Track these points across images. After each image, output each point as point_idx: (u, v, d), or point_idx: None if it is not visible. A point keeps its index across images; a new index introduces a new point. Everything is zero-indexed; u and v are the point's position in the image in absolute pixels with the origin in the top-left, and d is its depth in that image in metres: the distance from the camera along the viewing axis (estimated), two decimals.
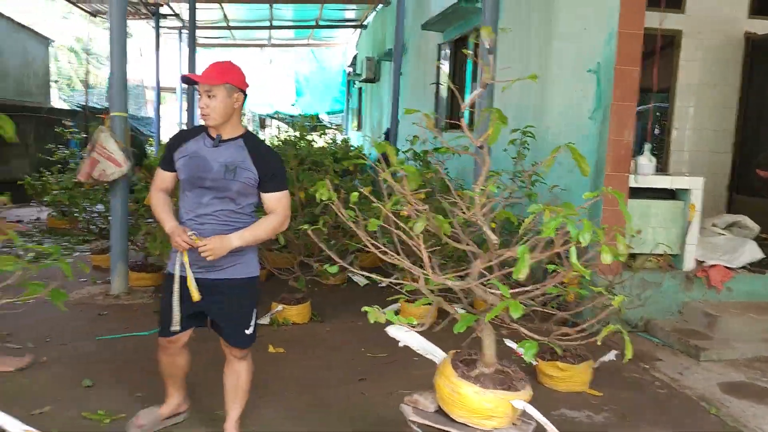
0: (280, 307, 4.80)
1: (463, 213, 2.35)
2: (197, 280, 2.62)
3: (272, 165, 2.65)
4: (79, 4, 13.52)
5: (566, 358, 3.65)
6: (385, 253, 2.34)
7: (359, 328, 4.81)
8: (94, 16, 14.73)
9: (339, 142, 15.77)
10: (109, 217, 5.74)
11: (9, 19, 12.89)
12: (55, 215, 8.34)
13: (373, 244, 2.35)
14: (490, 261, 2.32)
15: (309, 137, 13.40)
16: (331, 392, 3.62)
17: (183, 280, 2.64)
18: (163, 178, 2.78)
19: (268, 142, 11.54)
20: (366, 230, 2.34)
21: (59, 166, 8.88)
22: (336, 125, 21.42)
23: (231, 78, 2.59)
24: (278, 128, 22.64)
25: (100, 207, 6.89)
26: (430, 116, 2.41)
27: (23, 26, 13.58)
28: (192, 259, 2.61)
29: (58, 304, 2.30)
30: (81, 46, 24.09)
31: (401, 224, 2.34)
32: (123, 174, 5.17)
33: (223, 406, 2.93)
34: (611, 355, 3.88)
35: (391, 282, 2.41)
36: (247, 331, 2.77)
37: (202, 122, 2.71)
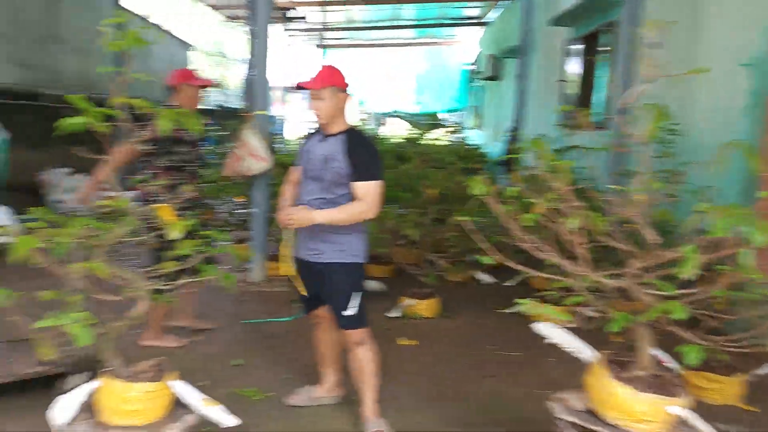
0: (410, 301, 4.90)
1: (620, 211, 2.30)
2: (306, 262, 2.98)
3: (361, 156, 2.84)
4: (218, 10, 14.45)
5: (716, 369, 3.45)
6: (537, 249, 2.34)
7: (487, 325, 4.81)
8: (233, 20, 15.67)
9: (458, 140, 15.76)
10: (251, 210, 6.12)
11: (157, 26, 14.02)
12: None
13: (525, 240, 2.36)
14: (649, 261, 2.25)
15: (429, 135, 13.51)
16: (465, 386, 3.66)
17: (301, 261, 3.01)
18: (293, 172, 3.15)
19: (389, 141, 11.70)
20: (518, 226, 2.36)
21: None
22: (455, 124, 21.39)
23: (334, 81, 2.86)
24: (400, 127, 22.96)
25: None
26: (586, 113, 2.38)
27: (168, 32, 14.74)
28: (302, 242, 2.99)
29: (228, 286, 2.51)
30: (215, 49, 25.78)
31: (554, 220, 2.33)
32: (265, 169, 5.50)
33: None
34: None
35: (543, 277, 2.40)
36: (345, 313, 2.93)
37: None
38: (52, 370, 3.09)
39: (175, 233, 2.19)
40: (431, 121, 19.21)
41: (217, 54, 24.23)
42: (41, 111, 9.48)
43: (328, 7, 15.14)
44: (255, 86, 5.57)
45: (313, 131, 3.11)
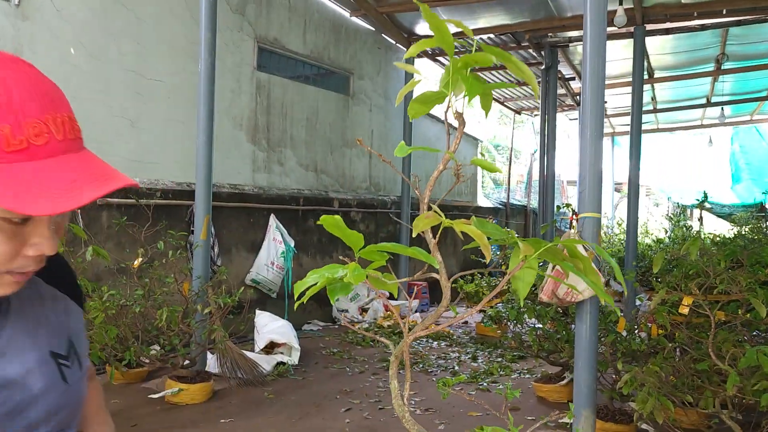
0: None
1: None
2: None
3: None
4: (506, 104, 13.75)
5: None
6: None
7: None
8: (518, 113, 14.84)
9: None
10: (559, 340, 4.57)
11: (443, 122, 13.77)
12: (485, 322, 7.69)
13: None
14: None
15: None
16: None
17: None
18: None
19: (732, 242, 9.09)
20: None
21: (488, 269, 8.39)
22: None
23: None
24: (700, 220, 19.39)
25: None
26: None
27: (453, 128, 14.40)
28: None
29: None
30: (492, 143, 25.33)
31: None
32: (593, 294, 3.91)
33: None
34: None
35: None
36: None
37: None
38: None
39: None
40: (758, 213, 15.69)
41: (496, 148, 23.77)
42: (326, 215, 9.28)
43: (625, 89, 13.41)
44: (582, 182, 4.07)
45: None
